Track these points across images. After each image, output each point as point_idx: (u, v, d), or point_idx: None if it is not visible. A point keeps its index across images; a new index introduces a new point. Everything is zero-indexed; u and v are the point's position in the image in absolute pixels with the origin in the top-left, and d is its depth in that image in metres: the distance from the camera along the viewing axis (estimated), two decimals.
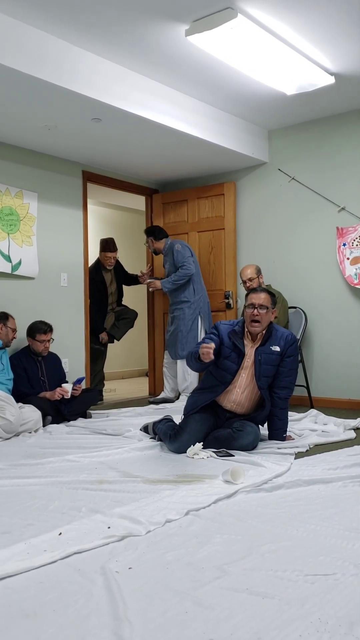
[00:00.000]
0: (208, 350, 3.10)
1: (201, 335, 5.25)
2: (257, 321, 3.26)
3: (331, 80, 4.19)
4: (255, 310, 3.25)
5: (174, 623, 1.40)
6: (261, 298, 3.27)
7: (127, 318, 5.84)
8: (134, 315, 5.88)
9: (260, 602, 1.50)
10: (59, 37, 3.60)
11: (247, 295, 3.40)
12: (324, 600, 1.50)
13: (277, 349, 3.29)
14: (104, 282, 5.65)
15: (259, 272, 4.93)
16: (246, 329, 3.34)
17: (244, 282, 4.90)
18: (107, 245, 5.66)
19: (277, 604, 1.49)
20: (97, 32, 3.53)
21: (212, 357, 3.13)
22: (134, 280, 5.99)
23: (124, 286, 5.95)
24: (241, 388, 3.33)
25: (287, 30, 3.53)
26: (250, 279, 4.88)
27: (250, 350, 3.32)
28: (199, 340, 3.37)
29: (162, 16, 3.35)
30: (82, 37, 3.59)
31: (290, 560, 1.76)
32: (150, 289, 5.44)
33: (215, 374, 3.34)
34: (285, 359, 3.33)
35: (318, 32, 3.56)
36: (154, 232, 5.48)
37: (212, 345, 3.13)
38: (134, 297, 7.25)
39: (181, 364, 5.28)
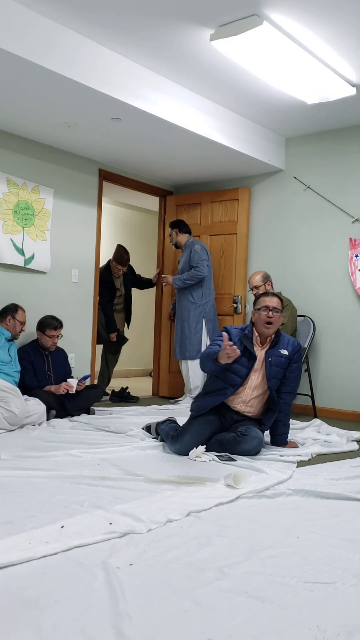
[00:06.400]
0: (234, 349, 3.11)
1: (205, 337, 5.27)
2: (271, 323, 3.35)
3: (352, 91, 4.20)
4: (270, 313, 3.35)
5: (174, 620, 1.41)
6: (274, 301, 3.40)
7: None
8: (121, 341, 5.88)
9: (259, 605, 1.51)
10: (92, 40, 3.67)
11: (257, 298, 3.48)
12: (322, 608, 1.50)
13: (286, 352, 3.41)
14: (113, 286, 5.65)
15: (265, 279, 4.93)
16: (255, 333, 3.41)
17: (252, 289, 4.93)
18: (122, 258, 5.59)
19: (276, 608, 1.50)
20: (127, 35, 3.58)
21: (238, 352, 3.14)
22: (147, 283, 6.02)
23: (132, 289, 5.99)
24: (251, 389, 3.40)
25: (311, 39, 3.54)
26: (256, 287, 4.91)
27: (260, 353, 3.40)
28: (209, 343, 3.39)
29: (189, 20, 3.38)
30: (114, 39, 3.64)
31: (290, 566, 1.77)
32: (163, 284, 5.52)
33: (224, 377, 3.36)
34: (292, 365, 3.43)
35: (343, 41, 3.57)
36: (179, 225, 5.50)
37: (236, 348, 3.14)
38: (142, 297, 7.28)
39: (186, 365, 5.29)
